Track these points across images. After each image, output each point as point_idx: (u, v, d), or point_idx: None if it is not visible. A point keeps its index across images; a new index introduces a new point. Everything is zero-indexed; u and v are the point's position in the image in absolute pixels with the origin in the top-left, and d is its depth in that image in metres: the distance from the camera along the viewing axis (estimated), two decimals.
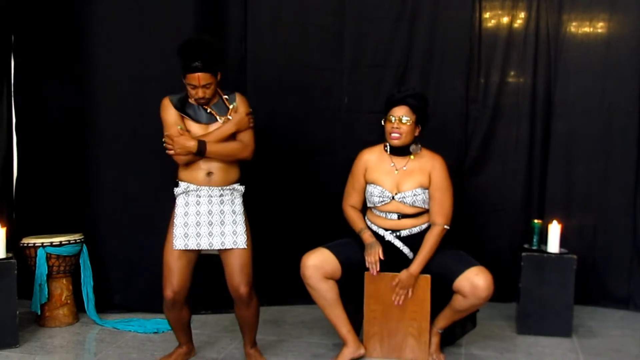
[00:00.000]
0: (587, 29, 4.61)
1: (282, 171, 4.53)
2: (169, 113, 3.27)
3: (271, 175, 4.49)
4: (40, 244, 4.03)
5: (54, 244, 4.05)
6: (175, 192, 3.33)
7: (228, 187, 3.32)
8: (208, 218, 3.29)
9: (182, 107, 3.28)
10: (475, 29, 4.63)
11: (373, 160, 3.64)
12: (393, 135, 3.51)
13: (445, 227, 3.52)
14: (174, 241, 3.26)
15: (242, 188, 3.38)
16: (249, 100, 3.43)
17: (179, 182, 3.32)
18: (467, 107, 4.66)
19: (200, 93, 3.18)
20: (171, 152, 3.21)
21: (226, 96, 3.33)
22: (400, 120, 3.49)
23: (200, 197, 3.29)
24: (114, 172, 4.34)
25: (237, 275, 3.29)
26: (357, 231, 3.59)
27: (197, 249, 3.28)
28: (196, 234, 3.27)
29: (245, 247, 3.29)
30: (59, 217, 4.39)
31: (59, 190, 4.45)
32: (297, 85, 4.54)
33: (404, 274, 3.49)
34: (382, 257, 3.49)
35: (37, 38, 4.39)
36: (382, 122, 3.56)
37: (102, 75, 4.30)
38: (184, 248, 3.26)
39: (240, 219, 3.32)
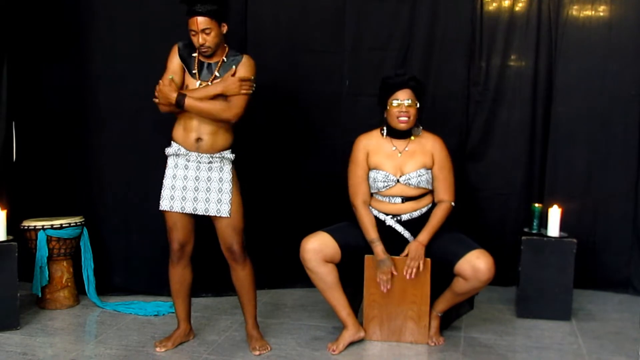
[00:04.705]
0: (588, 12, 4.58)
1: (282, 154, 4.52)
2: (172, 60, 3.34)
3: (271, 158, 4.49)
4: (40, 227, 4.04)
5: (54, 226, 4.05)
6: (166, 152, 3.39)
7: (217, 155, 3.33)
8: (195, 184, 3.34)
9: (187, 58, 3.33)
10: (476, 12, 4.60)
11: (372, 145, 3.62)
12: (401, 119, 3.50)
13: (452, 203, 3.55)
14: (160, 202, 3.37)
15: (231, 156, 3.38)
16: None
17: (172, 142, 3.37)
18: (469, 90, 4.65)
19: (200, 39, 3.20)
20: (156, 100, 3.27)
21: (225, 58, 3.32)
22: (407, 103, 3.48)
23: (189, 161, 3.35)
24: (114, 154, 4.33)
25: (229, 236, 3.35)
26: (369, 240, 3.54)
27: (180, 212, 3.35)
28: (182, 198, 3.35)
29: (228, 216, 3.33)
30: (60, 200, 4.40)
31: (59, 173, 4.45)
32: (298, 68, 4.52)
33: (413, 244, 3.48)
34: (395, 274, 3.50)
35: (35, 20, 4.37)
36: (387, 106, 3.54)
37: (101, 57, 4.29)
38: (168, 210, 3.36)
39: (227, 187, 3.35)
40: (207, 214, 3.35)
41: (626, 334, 3.87)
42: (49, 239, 4.04)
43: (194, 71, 3.32)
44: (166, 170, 3.40)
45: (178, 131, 3.35)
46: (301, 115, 4.54)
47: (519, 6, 4.62)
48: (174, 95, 3.21)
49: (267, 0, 4.47)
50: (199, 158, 3.33)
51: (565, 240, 4.06)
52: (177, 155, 3.35)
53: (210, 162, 3.34)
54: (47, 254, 4.05)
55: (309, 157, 4.58)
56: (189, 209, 3.34)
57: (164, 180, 3.39)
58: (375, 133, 3.66)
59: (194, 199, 3.34)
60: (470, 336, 3.78)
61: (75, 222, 4.15)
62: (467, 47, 4.60)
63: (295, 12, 4.52)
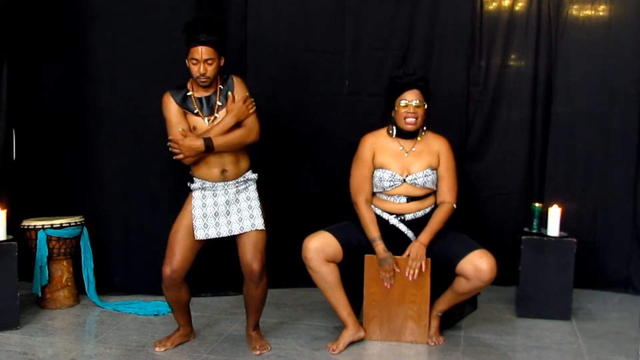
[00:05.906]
0: (588, 12, 4.58)
1: (282, 154, 4.52)
2: (171, 110, 3.30)
3: (271, 159, 4.47)
4: (40, 226, 4.04)
5: (54, 226, 4.05)
6: (191, 187, 3.39)
7: (241, 179, 3.38)
8: (226, 208, 3.36)
9: (184, 102, 3.31)
10: (476, 12, 4.60)
11: (379, 144, 3.61)
12: (409, 120, 3.49)
13: (454, 205, 3.55)
14: (195, 232, 3.33)
15: (254, 176, 3.44)
16: (249, 83, 3.43)
17: (194, 178, 3.37)
18: (469, 90, 4.65)
19: (202, 69, 3.20)
20: (179, 156, 3.24)
21: (221, 86, 3.33)
22: (415, 104, 3.48)
23: (216, 190, 3.36)
24: (114, 154, 4.33)
25: (251, 252, 3.35)
26: (370, 239, 3.53)
27: (217, 237, 3.35)
28: (215, 224, 3.35)
29: (263, 227, 3.36)
30: (60, 200, 4.39)
31: (59, 173, 4.45)
32: (298, 68, 4.52)
33: (414, 245, 3.47)
34: (397, 270, 3.50)
35: (35, 19, 4.37)
36: (394, 107, 3.53)
37: (101, 57, 4.28)
38: (204, 238, 3.34)
39: (255, 203, 3.40)
40: (243, 231, 3.35)
41: (626, 334, 3.87)
42: (49, 239, 4.04)
43: (195, 111, 3.30)
44: (193, 202, 3.36)
45: (200, 169, 3.34)
46: (301, 115, 4.53)
47: (519, 6, 4.62)
48: (199, 144, 3.21)
49: (267, 0, 4.47)
50: (225, 187, 3.36)
51: (565, 240, 4.06)
52: (203, 188, 3.36)
53: (236, 187, 3.38)
54: (47, 254, 4.05)
55: (309, 157, 4.58)
56: (224, 233, 3.35)
57: (192, 211, 3.34)
58: (382, 132, 3.65)
59: (227, 222, 3.36)
60: (470, 336, 3.78)
61: (75, 222, 4.15)
62: (467, 47, 4.60)
63: (295, 12, 4.51)
